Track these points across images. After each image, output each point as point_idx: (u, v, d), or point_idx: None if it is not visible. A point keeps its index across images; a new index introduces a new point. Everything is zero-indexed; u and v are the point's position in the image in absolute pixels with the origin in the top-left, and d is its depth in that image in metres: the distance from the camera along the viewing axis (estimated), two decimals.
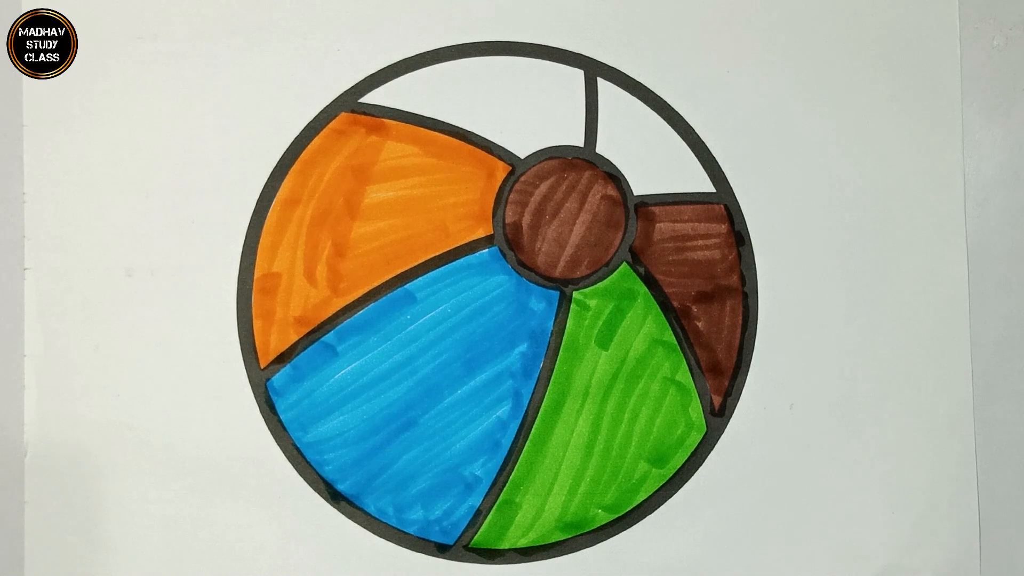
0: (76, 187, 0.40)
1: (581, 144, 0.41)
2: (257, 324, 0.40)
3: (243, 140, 0.41)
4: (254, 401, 0.40)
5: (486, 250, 0.40)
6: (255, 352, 0.40)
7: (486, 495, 0.40)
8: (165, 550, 0.40)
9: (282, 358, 0.40)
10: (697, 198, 0.41)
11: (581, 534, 0.40)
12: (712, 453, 0.40)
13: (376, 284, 0.40)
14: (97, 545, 0.40)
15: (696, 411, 0.40)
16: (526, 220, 0.41)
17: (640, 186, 0.41)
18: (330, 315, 0.40)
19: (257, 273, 0.40)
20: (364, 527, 0.40)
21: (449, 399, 0.40)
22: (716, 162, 0.41)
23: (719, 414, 0.40)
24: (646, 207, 0.41)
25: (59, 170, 0.40)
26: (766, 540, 0.40)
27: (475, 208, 0.40)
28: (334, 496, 0.40)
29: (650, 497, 0.40)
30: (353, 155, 0.41)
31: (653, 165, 0.41)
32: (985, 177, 0.41)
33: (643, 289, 0.40)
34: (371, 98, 0.41)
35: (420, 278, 0.40)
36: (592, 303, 0.40)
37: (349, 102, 0.41)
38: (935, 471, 0.40)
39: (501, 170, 0.41)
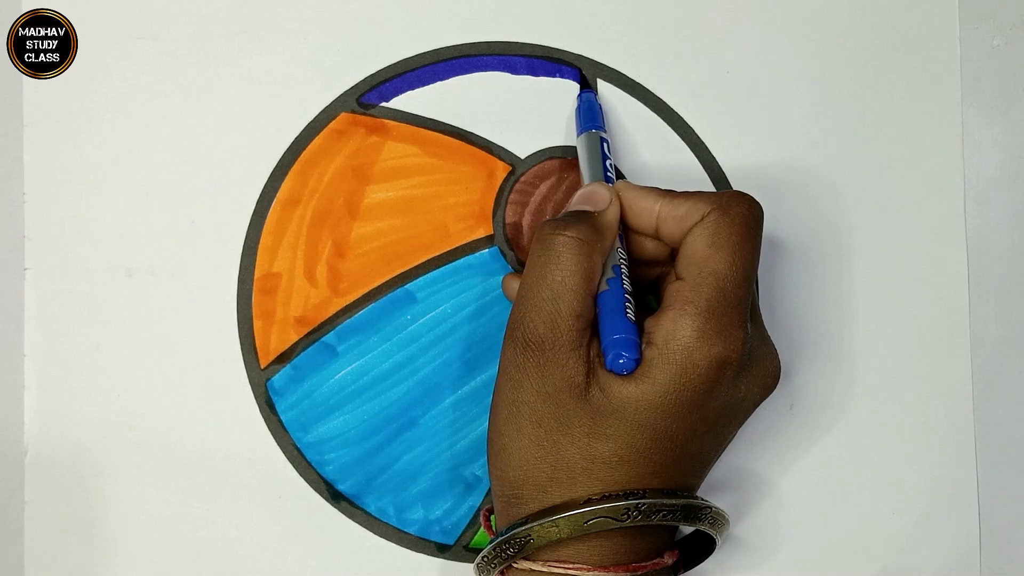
0: (76, 187, 0.40)
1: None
2: (257, 324, 0.40)
3: (243, 140, 0.41)
4: (254, 401, 0.40)
5: (486, 250, 0.40)
6: (255, 352, 0.40)
7: (486, 495, 0.40)
8: (165, 550, 0.40)
9: (282, 358, 0.40)
10: None
11: None
12: None
13: (376, 284, 0.40)
14: (97, 545, 0.40)
15: None
16: (526, 220, 0.41)
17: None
18: (330, 315, 0.40)
19: (257, 273, 0.40)
20: (364, 527, 0.40)
21: (449, 399, 0.40)
22: (716, 162, 0.41)
23: None
24: None
25: (59, 170, 0.40)
26: (766, 540, 0.40)
27: (475, 208, 0.40)
28: (335, 496, 0.40)
29: None
30: (353, 155, 0.41)
31: (653, 165, 0.41)
32: (985, 177, 0.41)
33: None
34: (371, 98, 0.41)
35: (420, 278, 0.40)
36: None
37: (349, 102, 0.41)
38: (935, 471, 0.40)
39: (501, 170, 0.41)
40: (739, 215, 0.33)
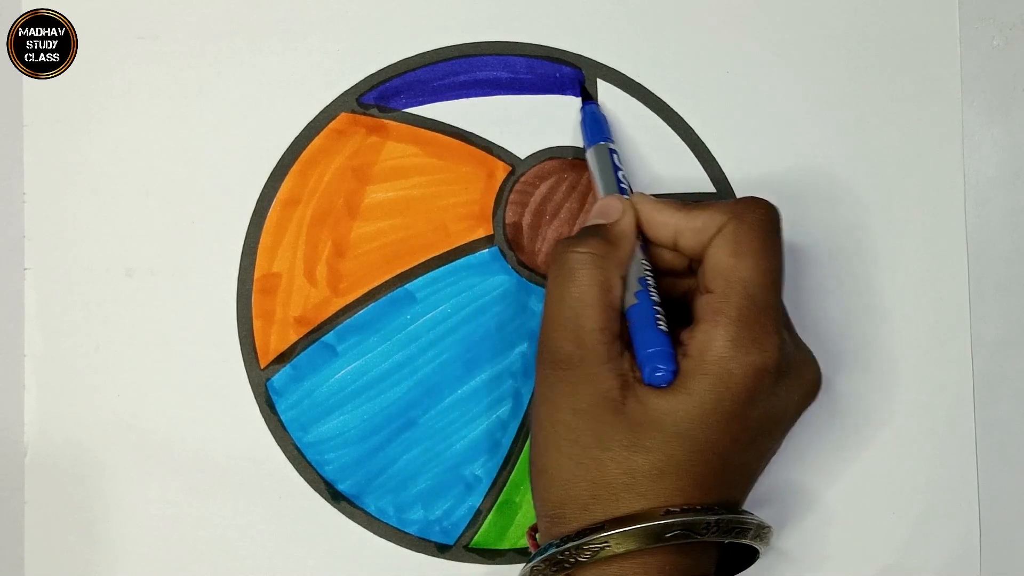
0: (76, 187, 0.40)
1: (581, 145, 0.41)
2: (257, 324, 0.40)
3: (243, 140, 0.41)
4: (254, 401, 0.40)
5: (486, 250, 0.40)
6: (255, 352, 0.40)
7: (486, 495, 0.40)
8: (165, 550, 0.40)
9: (282, 358, 0.40)
10: (697, 198, 0.41)
11: None
12: None
13: (376, 284, 0.40)
14: (97, 545, 0.40)
15: None
16: (526, 220, 0.41)
17: (640, 186, 0.41)
18: (330, 315, 0.40)
19: (257, 273, 0.40)
20: (364, 527, 0.40)
21: (449, 399, 0.40)
22: (716, 162, 0.41)
23: None
24: None
25: (59, 170, 0.40)
26: None
27: (475, 208, 0.40)
28: (334, 496, 0.40)
29: None
30: (353, 155, 0.41)
31: (653, 165, 0.41)
32: (985, 177, 0.41)
33: None
34: (371, 98, 0.41)
35: (420, 278, 0.40)
36: None
37: (349, 102, 0.41)
38: (935, 471, 0.40)
39: (501, 170, 0.41)
40: (756, 221, 0.33)
